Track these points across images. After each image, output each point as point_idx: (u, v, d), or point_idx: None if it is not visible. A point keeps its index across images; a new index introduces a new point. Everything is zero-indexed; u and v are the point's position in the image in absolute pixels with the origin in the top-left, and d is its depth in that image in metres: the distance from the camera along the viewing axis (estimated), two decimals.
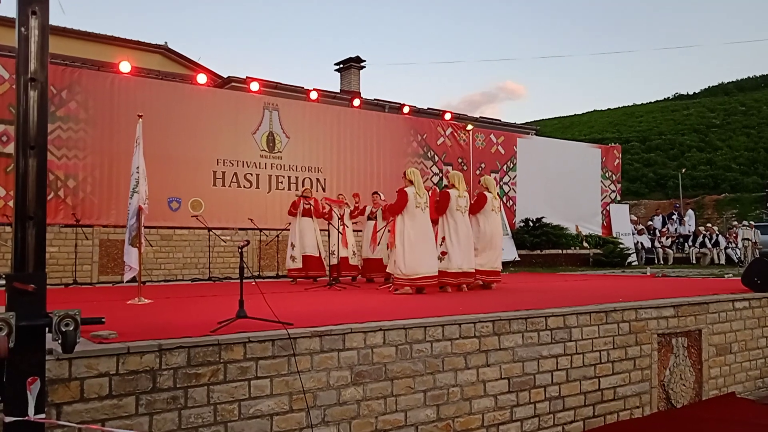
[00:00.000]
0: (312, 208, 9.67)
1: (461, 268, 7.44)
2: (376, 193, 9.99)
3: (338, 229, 9.22)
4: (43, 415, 2.10)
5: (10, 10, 2.49)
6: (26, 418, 2.07)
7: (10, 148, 9.85)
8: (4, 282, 2.65)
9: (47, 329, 2.17)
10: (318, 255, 9.66)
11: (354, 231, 10.36)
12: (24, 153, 2.33)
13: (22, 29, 2.41)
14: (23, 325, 2.07)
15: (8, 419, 2.09)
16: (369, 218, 9.82)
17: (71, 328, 2.11)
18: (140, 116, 6.86)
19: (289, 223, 10.11)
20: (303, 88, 14.41)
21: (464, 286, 7.51)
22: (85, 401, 3.12)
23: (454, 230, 7.50)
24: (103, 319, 2.35)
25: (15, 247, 2.23)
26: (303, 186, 12.06)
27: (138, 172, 6.52)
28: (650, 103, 60.49)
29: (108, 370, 3.20)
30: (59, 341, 2.11)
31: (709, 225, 20.28)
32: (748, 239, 18.03)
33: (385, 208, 8.74)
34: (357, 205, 10.19)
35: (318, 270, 9.63)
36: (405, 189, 7.28)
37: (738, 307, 6.69)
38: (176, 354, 3.41)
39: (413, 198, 7.20)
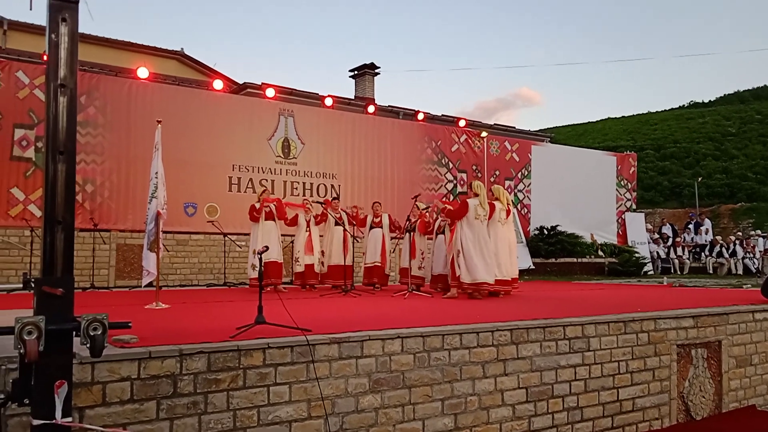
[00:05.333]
0: (274, 210, 9.22)
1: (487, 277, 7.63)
2: (426, 209, 9.44)
3: (346, 232, 9.22)
4: (70, 419, 2.12)
5: (32, 16, 2.52)
6: (54, 421, 2.08)
7: (30, 153, 9.96)
8: (17, 286, 2.68)
9: (75, 333, 2.18)
10: (280, 261, 9.19)
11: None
12: (53, 158, 2.37)
13: (53, 36, 2.43)
14: (52, 328, 2.09)
15: (36, 422, 2.10)
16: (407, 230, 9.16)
17: (99, 333, 2.12)
18: (159, 122, 6.91)
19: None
20: (318, 94, 14.46)
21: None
22: (107, 405, 3.14)
23: (472, 239, 7.59)
24: (129, 324, 2.36)
25: (44, 252, 2.25)
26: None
27: (157, 177, 6.55)
28: (665, 111, 59.96)
29: (130, 375, 3.21)
30: (87, 345, 2.12)
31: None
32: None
33: (445, 213, 8.46)
34: (395, 221, 10.02)
35: (276, 277, 9.01)
36: (468, 200, 7.68)
37: (758, 318, 6.61)
38: (196, 359, 3.42)
39: (473, 209, 7.59)
